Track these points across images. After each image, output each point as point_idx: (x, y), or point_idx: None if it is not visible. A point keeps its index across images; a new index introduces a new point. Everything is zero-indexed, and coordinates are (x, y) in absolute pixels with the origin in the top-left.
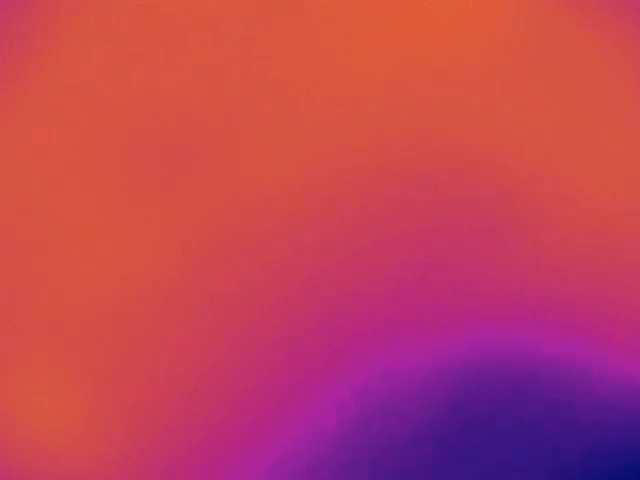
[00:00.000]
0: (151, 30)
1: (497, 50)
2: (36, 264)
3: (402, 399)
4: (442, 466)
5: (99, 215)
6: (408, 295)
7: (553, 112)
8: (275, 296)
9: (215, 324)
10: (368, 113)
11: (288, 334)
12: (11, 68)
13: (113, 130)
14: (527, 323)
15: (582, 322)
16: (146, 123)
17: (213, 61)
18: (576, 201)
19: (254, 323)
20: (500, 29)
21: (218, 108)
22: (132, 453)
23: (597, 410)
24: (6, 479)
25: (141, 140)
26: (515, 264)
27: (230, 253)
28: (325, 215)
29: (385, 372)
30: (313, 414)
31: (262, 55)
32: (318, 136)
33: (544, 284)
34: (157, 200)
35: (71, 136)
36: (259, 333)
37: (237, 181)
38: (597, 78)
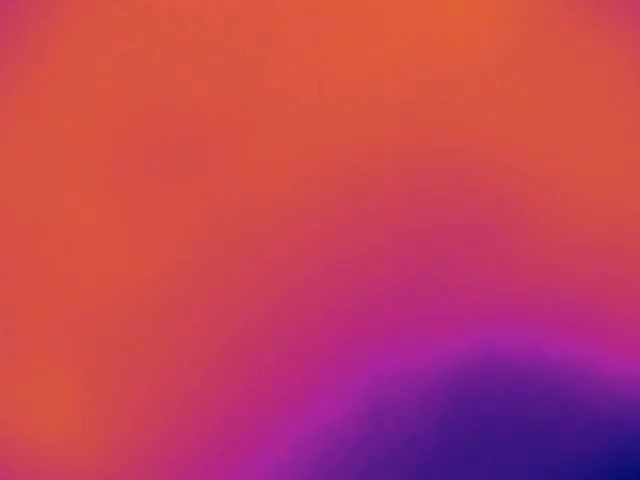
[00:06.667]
0: (152, 30)
1: (497, 50)
2: (36, 264)
3: (403, 399)
4: (443, 466)
5: (99, 215)
6: (408, 295)
7: (553, 112)
8: (276, 296)
9: (215, 324)
10: (368, 114)
11: (289, 335)
12: (11, 69)
13: (112, 131)
14: (527, 323)
15: (582, 322)
16: (145, 124)
17: (212, 62)
18: (576, 201)
19: (255, 323)
20: (500, 29)
21: (218, 109)
22: (132, 453)
23: (597, 410)
24: (6, 479)
25: (140, 141)
26: (515, 264)
27: (231, 253)
28: (326, 216)
29: (386, 372)
30: (314, 414)
31: (264, 55)
32: (319, 137)
33: (544, 284)
34: (158, 201)
35: (71, 136)
36: (260, 333)
37: (238, 181)
38: (597, 78)
